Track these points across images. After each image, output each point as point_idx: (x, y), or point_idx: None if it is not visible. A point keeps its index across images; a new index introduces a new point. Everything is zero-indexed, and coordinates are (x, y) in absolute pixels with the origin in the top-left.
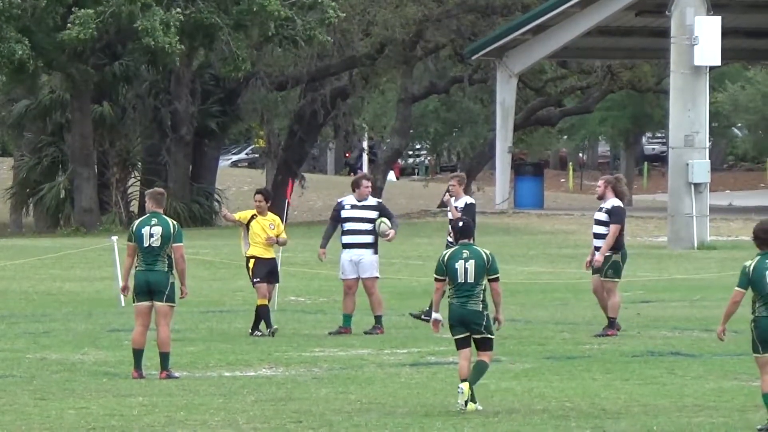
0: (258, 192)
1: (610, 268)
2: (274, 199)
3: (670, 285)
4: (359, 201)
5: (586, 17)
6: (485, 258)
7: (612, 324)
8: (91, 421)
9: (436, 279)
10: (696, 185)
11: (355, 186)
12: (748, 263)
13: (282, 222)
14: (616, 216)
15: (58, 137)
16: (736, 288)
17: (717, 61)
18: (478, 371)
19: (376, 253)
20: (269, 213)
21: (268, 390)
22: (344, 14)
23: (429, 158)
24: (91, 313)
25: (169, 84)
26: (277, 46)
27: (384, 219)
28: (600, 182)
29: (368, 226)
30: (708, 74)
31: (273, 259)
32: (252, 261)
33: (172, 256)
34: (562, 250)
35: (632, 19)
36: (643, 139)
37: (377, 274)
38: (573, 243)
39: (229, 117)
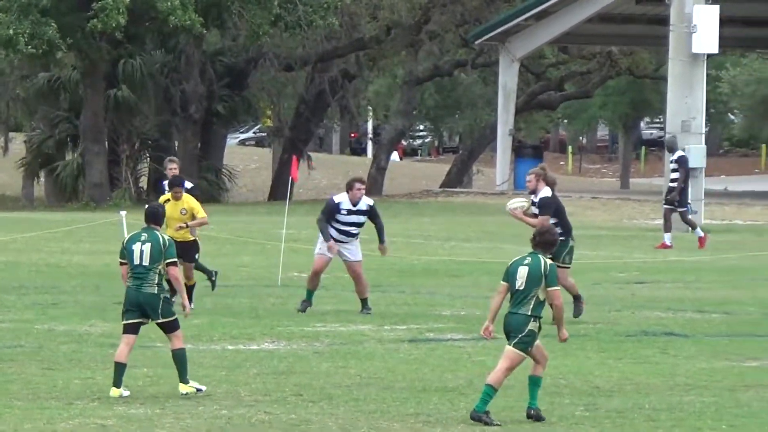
0: (177, 184)
1: (568, 254)
2: (281, 176)
3: (664, 267)
4: (354, 205)
5: (587, 4)
6: (162, 243)
7: (578, 298)
8: (97, 391)
9: (120, 262)
10: (692, 170)
11: (348, 188)
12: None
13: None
14: (544, 207)
15: (73, 113)
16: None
17: (715, 49)
18: (178, 362)
19: (358, 238)
20: (184, 196)
21: (269, 363)
22: (349, 0)
23: (431, 139)
24: (99, 285)
25: (179, 64)
26: (282, 30)
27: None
28: (530, 177)
29: (357, 229)
30: (705, 62)
31: (190, 241)
32: None
33: None
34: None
35: (633, 6)
36: (642, 124)
37: (361, 258)
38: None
39: (237, 101)
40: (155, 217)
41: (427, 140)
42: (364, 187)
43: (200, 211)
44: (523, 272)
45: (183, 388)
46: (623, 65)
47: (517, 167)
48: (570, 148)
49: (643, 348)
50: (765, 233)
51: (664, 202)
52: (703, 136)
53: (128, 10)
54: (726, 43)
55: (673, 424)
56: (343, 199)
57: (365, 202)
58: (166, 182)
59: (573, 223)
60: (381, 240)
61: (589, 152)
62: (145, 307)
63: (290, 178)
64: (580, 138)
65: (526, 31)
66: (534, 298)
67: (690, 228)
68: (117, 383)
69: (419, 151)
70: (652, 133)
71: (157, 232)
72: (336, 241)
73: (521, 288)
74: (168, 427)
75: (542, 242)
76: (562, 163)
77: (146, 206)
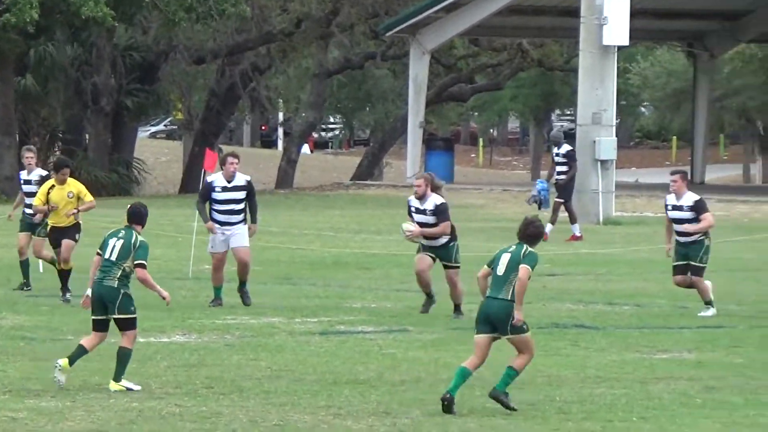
0: (65, 165)
1: (457, 253)
2: (192, 168)
3: (575, 259)
4: (229, 182)
5: None
6: (132, 242)
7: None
8: (8, 384)
9: (97, 252)
10: (602, 162)
11: (222, 164)
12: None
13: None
14: (443, 213)
15: None
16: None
17: (625, 41)
18: (120, 360)
19: (245, 223)
20: (69, 179)
21: (180, 356)
22: None
23: (342, 132)
24: (9, 278)
25: (90, 57)
26: (194, 22)
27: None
28: (419, 182)
29: (239, 206)
30: (616, 54)
31: (72, 226)
32: (48, 228)
33: None
34: (471, 224)
35: None
36: (553, 117)
37: (248, 244)
38: (482, 217)
39: (147, 94)
40: (137, 217)
41: (339, 133)
42: (236, 161)
43: (87, 194)
44: (505, 258)
45: (113, 386)
46: (534, 57)
47: (427, 160)
48: (481, 141)
49: (554, 340)
50: None
51: (556, 196)
52: (614, 128)
53: (40, 3)
54: (637, 35)
55: (584, 416)
56: (216, 177)
57: (242, 178)
58: (23, 172)
59: (484, 215)
60: (253, 220)
61: (500, 144)
62: (104, 300)
63: (203, 169)
64: (491, 130)
65: (436, 24)
66: (513, 284)
67: (551, 221)
68: (71, 359)
69: (330, 144)
70: (562, 126)
71: (133, 232)
72: (221, 224)
73: (501, 274)
74: (79, 419)
75: (527, 235)
76: (473, 155)
77: (129, 206)
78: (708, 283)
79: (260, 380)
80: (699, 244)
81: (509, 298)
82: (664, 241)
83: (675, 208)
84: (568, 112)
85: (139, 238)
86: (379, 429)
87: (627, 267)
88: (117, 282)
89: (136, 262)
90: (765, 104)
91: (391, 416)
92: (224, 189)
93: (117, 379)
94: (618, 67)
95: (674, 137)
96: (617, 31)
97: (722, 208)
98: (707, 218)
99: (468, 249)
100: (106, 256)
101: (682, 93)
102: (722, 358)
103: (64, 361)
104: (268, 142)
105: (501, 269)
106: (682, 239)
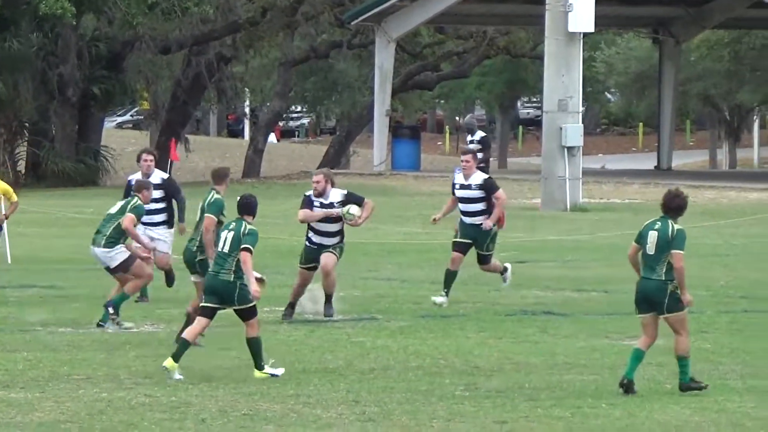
0: None
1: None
2: (159, 159)
3: (542, 246)
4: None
5: None
6: (242, 231)
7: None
8: None
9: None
10: (569, 149)
11: (137, 160)
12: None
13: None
14: (355, 195)
15: None
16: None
17: (591, 27)
18: (252, 349)
19: (171, 227)
20: None
21: (149, 346)
22: None
23: (309, 120)
24: None
25: (56, 48)
26: (158, 17)
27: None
28: (318, 178)
29: (157, 206)
30: (582, 40)
31: None
32: None
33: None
34: (437, 211)
35: None
36: (519, 104)
37: (167, 250)
38: None
39: (113, 83)
40: (247, 208)
41: (305, 122)
42: (151, 158)
43: (13, 195)
44: (653, 237)
45: (258, 374)
46: (500, 44)
47: (394, 148)
48: (447, 129)
49: (523, 327)
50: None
51: None
52: (581, 114)
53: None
54: (602, 22)
55: (553, 403)
56: (137, 175)
57: (158, 176)
58: None
59: None
60: (179, 218)
61: (466, 132)
62: (221, 294)
63: (170, 159)
64: (457, 118)
65: (402, 12)
66: (666, 263)
67: None
68: (175, 357)
69: (297, 133)
70: (529, 113)
71: (243, 222)
72: (144, 223)
73: (651, 253)
74: (48, 410)
75: (672, 208)
76: (439, 143)
77: (239, 197)
78: (497, 264)
79: (229, 370)
80: (486, 231)
81: (663, 277)
82: (440, 211)
83: (463, 187)
84: (534, 99)
85: (249, 226)
86: (348, 417)
87: (594, 253)
88: (233, 275)
89: (242, 246)
90: (728, 91)
91: (361, 404)
92: None
93: (258, 367)
94: (583, 56)
95: (641, 123)
96: (582, 17)
97: (689, 194)
98: (501, 196)
99: (435, 237)
100: (219, 248)
101: (647, 78)
102: (690, 343)
103: (168, 362)
104: (235, 132)
105: (651, 248)
106: (468, 220)
